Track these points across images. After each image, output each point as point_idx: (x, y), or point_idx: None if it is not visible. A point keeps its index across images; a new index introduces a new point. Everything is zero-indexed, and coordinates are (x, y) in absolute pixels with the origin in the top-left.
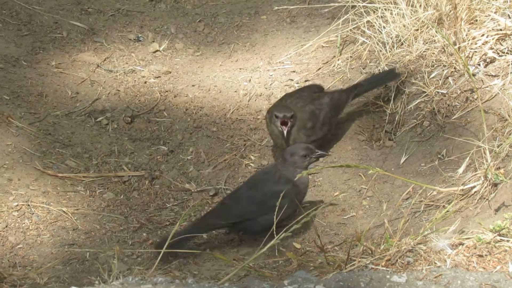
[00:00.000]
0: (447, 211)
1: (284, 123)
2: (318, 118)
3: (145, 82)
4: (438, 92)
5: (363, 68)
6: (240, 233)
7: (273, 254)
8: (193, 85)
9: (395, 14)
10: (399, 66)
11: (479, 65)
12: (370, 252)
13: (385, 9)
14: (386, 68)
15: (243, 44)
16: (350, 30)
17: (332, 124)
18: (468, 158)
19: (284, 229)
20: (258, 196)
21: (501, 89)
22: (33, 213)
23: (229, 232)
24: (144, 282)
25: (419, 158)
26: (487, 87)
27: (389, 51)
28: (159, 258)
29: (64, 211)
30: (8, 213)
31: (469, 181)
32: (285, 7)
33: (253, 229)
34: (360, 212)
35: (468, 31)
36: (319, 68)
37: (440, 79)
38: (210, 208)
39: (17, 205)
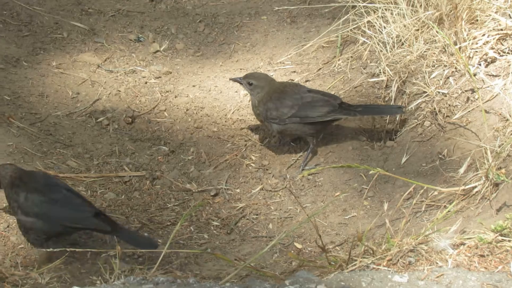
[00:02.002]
0: (449, 211)
1: (235, 80)
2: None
3: (146, 83)
4: (439, 92)
5: (364, 68)
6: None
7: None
8: (193, 86)
9: (396, 14)
10: (400, 67)
11: (480, 65)
12: (371, 252)
13: (386, 9)
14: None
15: (243, 44)
16: (351, 30)
17: (299, 124)
18: (469, 158)
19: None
20: None
21: (502, 89)
22: None
23: None
24: (146, 282)
25: (420, 158)
26: (488, 87)
27: (390, 51)
28: (160, 258)
29: None
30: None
31: (470, 181)
32: (286, 7)
33: None
34: (361, 212)
35: (469, 31)
36: (320, 69)
37: (441, 79)
38: None
39: None
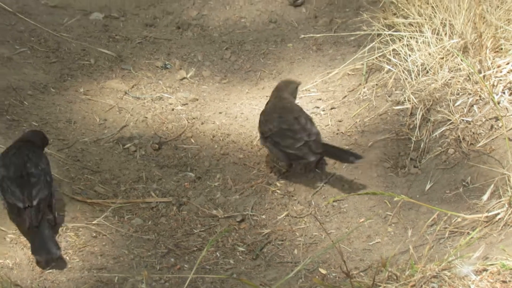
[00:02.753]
0: (472, 237)
1: None
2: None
3: (173, 109)
4: (463, 120)
5: (389, 96)
6: None
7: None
8: (220, 112)
9: (421, 42)
10: (424, 94)
11: (504, 93)
12: (395, 278)
13: (411, 38)
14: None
15: (269, 71)
16: (376, 58)
17: (273, 148)
18: (492, 185)
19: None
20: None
21: None
22: (62, 239)
23: None
24: None
25: (444, 185)
26: (511, 115)
27: (415, 79)
28: (187, 283)
29: (93, 236)
30: None
31: (493, 208)
32: (311, 35)
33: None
34: (385, 238)
35: (493, 59)
36: (345, 96)
37: (465, 107)
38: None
39: None
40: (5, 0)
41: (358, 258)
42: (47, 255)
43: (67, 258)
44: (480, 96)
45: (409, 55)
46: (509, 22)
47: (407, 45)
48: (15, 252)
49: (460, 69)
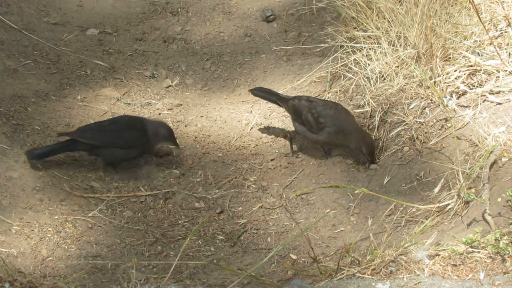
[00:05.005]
0: (425, 226)
1: None
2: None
3: (160, 114)
4: (416, 121)
5: (350, 100)
6: (94, 158)
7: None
8: (201, 116)
9: (379, 53)
10: (382, 99)
11: (452, 97)
12: (357, 262)
13: (370, 49)
14: None
15: (245, 79)
16: (339, 67)
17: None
18: (443, 179)
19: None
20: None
21: (471, 118)
22: (62, 230)
23: (89, 155)
24: None
25: (400, 179)
26: (459, 116)
27: (373, 86)
28: (172, 268)
29: (88, 227)
30: (40, 229)
31: (444, 199)
32: (282, 47)
33: (107, 157)
34: (348, 227)
35: (443, 67)
36: None
37: (418, 110)
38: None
39: (47, 223)
40: (11, 18)
41: (324, 245)
42: None
43: (66, 247)
44: (431, 100)
45: (368, 64)
46: (456, 34)
47: (367, 55)
48: (19, 242)
49: (413, 76)
